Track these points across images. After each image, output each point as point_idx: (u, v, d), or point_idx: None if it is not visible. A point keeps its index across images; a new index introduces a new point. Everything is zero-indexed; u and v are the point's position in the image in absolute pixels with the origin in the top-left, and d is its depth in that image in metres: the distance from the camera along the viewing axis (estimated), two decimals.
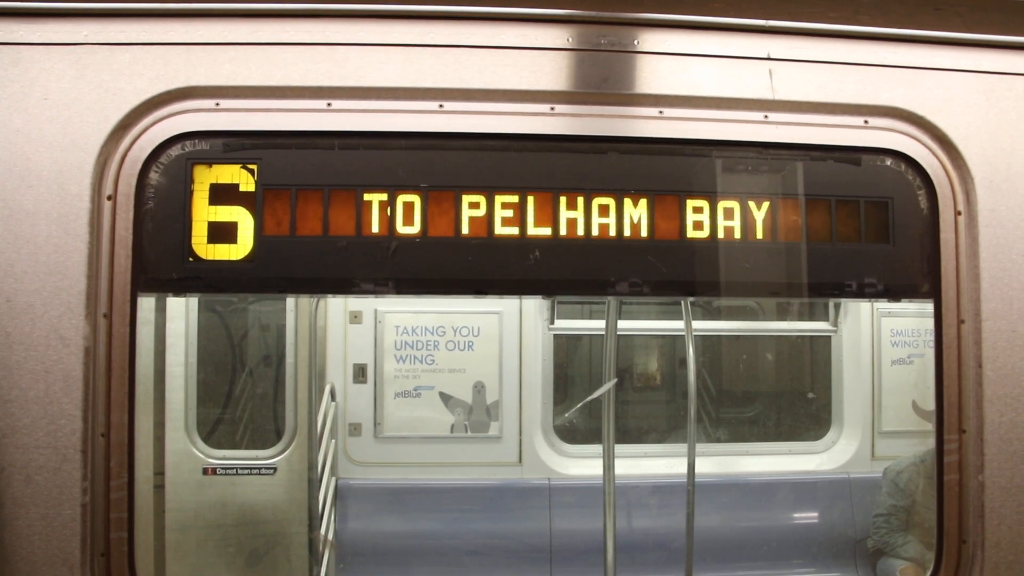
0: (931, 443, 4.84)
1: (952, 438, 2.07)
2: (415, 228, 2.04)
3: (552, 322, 5.47)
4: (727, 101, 2.10)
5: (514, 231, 2.05)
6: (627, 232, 2.07)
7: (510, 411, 5.32)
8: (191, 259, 2.01)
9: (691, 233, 2.08)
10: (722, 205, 2.09)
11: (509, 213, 2.05)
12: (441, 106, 2.07)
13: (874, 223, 2.11)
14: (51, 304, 1.95)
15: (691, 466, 3.77)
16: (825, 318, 5.58)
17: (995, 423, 2.07)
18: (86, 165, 1.97)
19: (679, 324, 5.81)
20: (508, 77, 2.07)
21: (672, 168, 2.10)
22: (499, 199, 2.05)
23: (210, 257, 2.02)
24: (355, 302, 5.20)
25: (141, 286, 1.98)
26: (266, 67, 2.03)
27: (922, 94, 2.12)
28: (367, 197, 2.04)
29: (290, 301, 5.00)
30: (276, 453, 4.99)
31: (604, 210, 2.07)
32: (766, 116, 2.11)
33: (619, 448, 5.60)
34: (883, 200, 2.11)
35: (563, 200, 2.06)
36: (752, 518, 5.30)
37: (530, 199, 2.06)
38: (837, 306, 5.50)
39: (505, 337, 5.35)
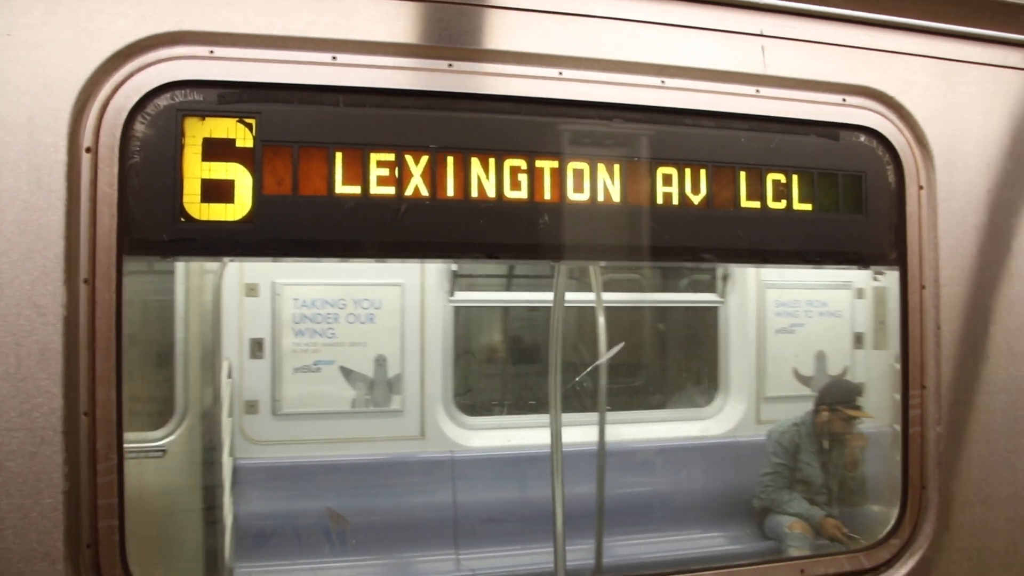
0: (809, 405, 5.26)
1: (915, 394, 2.26)
2: (424, 190, 1.97)
3: (452, 294, 5.43)
4: (724, 74, 2.16)
5: (522, 195, 2.03)
6: (630, 198, 2.10)
7: (412, 385, 5.25)
8: (183, 219, 1.84)
9: (693, 200, 2.13)
10: (717, 174, 2.16)
11: (519, 177, 2.02)
12: (450, 65, 2.00)
13: (850, 195, 2.26)
14: (22, 268, 1.72)
15: (601, 434, 3.88)
16: (713, 290, 5.88)
17: (950, 379, 2.28)
18: (61, 113, 1.76)
19: (573, 296, 6.02)
20: (518, 39, 2.03)
21: (672, 137, 2.15)
22: (508, 163, 2.02)
23: (204, 217, 1.85)
24: (251, 274, 4.94)
25: (127, 248, 1.79)
26: (267, 15, 1.88)
27: (892, 76, 2.28)
28: (374, 156, 1.94)
29: (179, 273, 4.70)
30: (165, 435, 4.70)
31: (611, 176, 2.08)
32: (758, 90, 2.19)
33: (517, 419, 5.74)
34: (858, 173, 2.26)
35: (570, 166, 2.05)
36: (645, 483, 5.53)
37: (538, 163, 2.04)
38: (725, 278, 5.81)
39: (407, 310, 5.27)
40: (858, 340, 5.93)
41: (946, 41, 2.32)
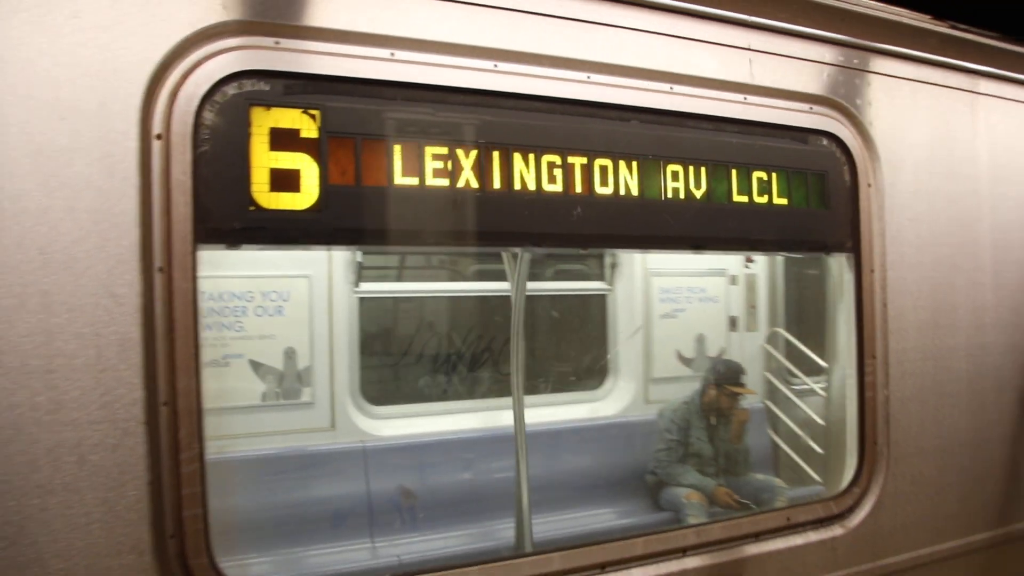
0: (696, 385, 5.70)
1: (869, 363, 2.63)
2: (474, 182, 2.08)
3: (357, 285, 5.44)
4: (720, 83, 2.42)
5: (558, 188, 2.19)
6: (644, 193, 2.31)
7: (321, 376, 5.22)
8: (252, 208, 1.86)
9: (696, 195, 2.38)
10: (715, 171, 2.41)
11: (556, 172, 2.18)
12: (496, 66, 2.12)
13: (816, 191, 2.59)
14: (97, 257, 1.69)
15: (519, 419, 4.06)
16: (602, 278, 6.23)
17: (894, 349, 2.68)
18: (132, 99, 1.73)
19: (459, 286, 6.18)
20: (554, 44, 2.18)
21: (678, 138, 2.38)
22: (545, 158, 2.17)
23: (272, 206, 1.88)
24: None
25: (201, 237, 1.78)
26: (331, 10, 1.93)
27: (848, 89, 2.63)
28: (429, 150, 2.03)
29: None
30: None
31: (629, 172, 2.28)
32: (745, 98, 2.47)
33: (426, 407, 5.82)
34: (822, 172, 2.59)
35: (596, 162, 2.24)
36: (540, 465, 5.78)
37: (570, 159, 2.20)
38: (613, 266, 6.18)
39: (315, 301, 5.23)
40: (732, 323, 6.49)
41: (887, 60, 2.70)
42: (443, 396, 5.88)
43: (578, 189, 2.21)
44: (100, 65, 1.71)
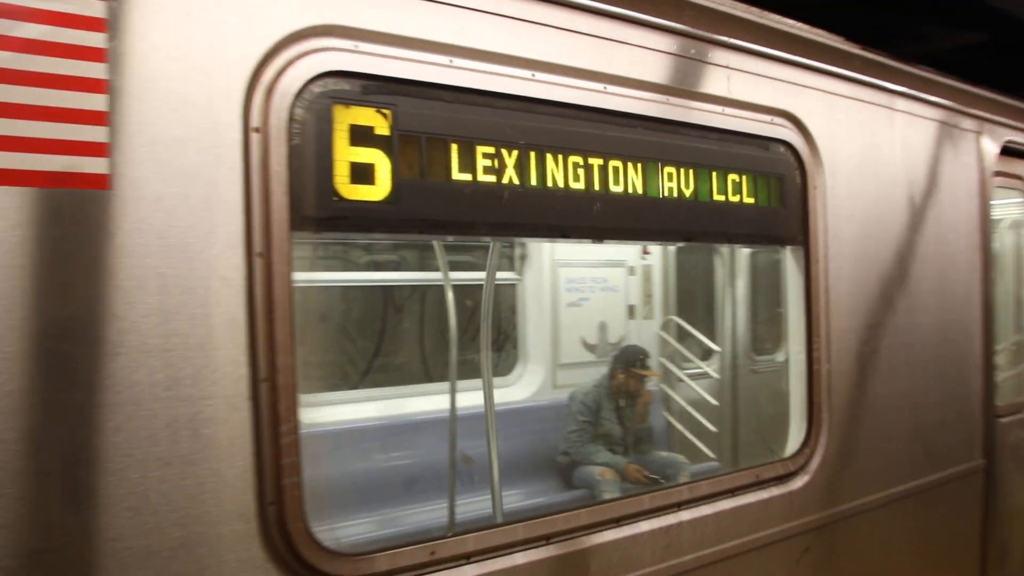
0: (603, 369, 6.09)
1: (816, 341, 3.06)
2: (516, 179, 2.31)
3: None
4: (707, 96, 2.76)
5: (581, 186, 2.45)
6: (646, 192, 2.62)
7: None
8: (335, 198, 2.00)
9: (687, 194, 2.71)
10: (700, 173, 2.75)
11: (579, 171, 2.44)
12: (533, 75, 2.35)
13: (776, 192, 2.98)
14: (208, 242, 1.80)
15: (489, 399, 4.29)
16: (511, 268, 6.52)
17: (834, 329, 3.13)
18: (235, 93, 1.84)
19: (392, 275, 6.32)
20: (580, 58, 2.44)
21: (674, 143, 2.69)
22: (571, 159, 2.43)
23: (352, 197, 2.03)
24: None
25: (295, 225, 1.92)
26: (401, 17, 2.09)
27: (799, 103, 3.04)
28: (480, 149, 2.24)
29: None
30: None
31: (636, 173, 2.58)
32: (724, 110, 2.82)
33: (353, 394, 5.89)
34: (779, 175, 2.99)
35: (610, 164, 2.52)
36: (463, 448, 6.01)
37: (590, 160, 2.47)
38: (522, 258, 6.48)
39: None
40: (631, 312, 6.96)
41: (828, 79, 3.15)
42: (372, 383, 6.01)
43: (596, 187, 2.48)
44: (207, 61, 1.81)
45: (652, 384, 6.74)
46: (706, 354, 7.23)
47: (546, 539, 2.32)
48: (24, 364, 1.57)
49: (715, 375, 7.00)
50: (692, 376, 6.86)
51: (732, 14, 2.90)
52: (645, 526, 2.53)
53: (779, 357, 7.78)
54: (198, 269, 1.78)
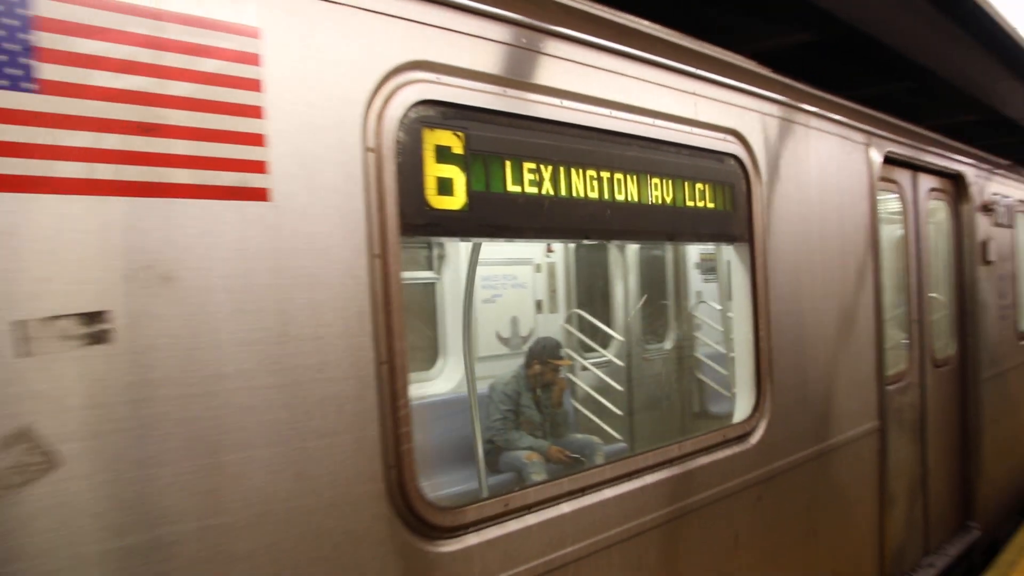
0: (518, 361, 6.59)
1: (761, 322, 3.67)
2: (551, 190, 2.74)
3: None
4: (679, 118, 3.29)
5: (595, 195, 2.91)
6: (638, 199, 3.11)
7: None
8: (427, 207, 2.36)
9: (668, 200, 3.23)
10: (678, 183, 3.28)
11: (594, 183, 2.90)
12: (561, 103, 2.78)
13: (730, 197, 3.56)
14: (344, 247, 2.12)
15: (472, 384, 4.64)
16: (430, 268, 6.88)
17: (772, 312, 3.76)
18: (356, 117, 2.17)
19: None
20: (589, 87, 2.90)
21: (657, 159, 3.20)
22: (588, 172, 2.88)
23: (438, 207, 2.39)
24: None
25: (402, 231, 2.26)
26: (471, 55, 2.47)
27: (744, 123, 3.64)
28: (525, 165, 2.65)
29: None
30: None
31: (633, 184, 3.07)
32: (692, 130, 3.36)
33: None
34: (731, 183, 3.58)
35: (615, 176, 2.99)
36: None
37: (601, 174, 2.94)
38: (440, 257, 6.86)
39: None
40: (538, 306, 7.49)
41: (762, 102, 3.77)
42: None
43: (606, 196, 2.95)
44: (336, 90, 2.12)
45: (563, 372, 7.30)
46: (604, 344, 7.85)
47: (582, 491, 2.76)
48: (234, 351, 1.86)
49: (619, 362, 7.65)
50: (596, 364, 7.47)
51: (702, 52, 3.46)
52: (650, 479, 3.03)
53: (666, 345, 8.59)
54: (337, 269, 2.09)
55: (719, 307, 8.03)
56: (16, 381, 1.58)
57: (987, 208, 6.87)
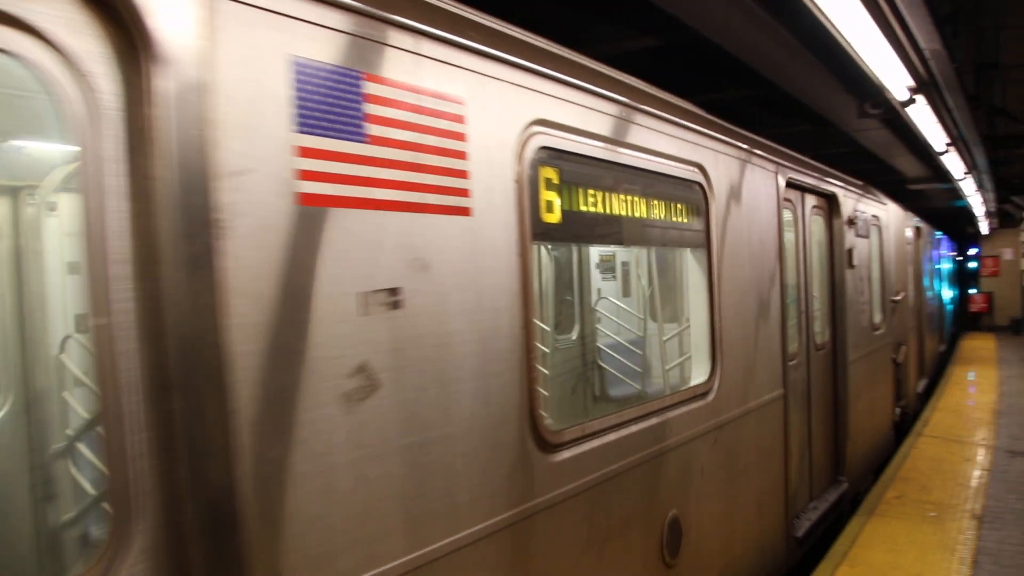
0: None
1: (715, 309, 4.86)
2: (604, 209, 3.79)
3: None
4: (667, 155, 4.41)
5: (626, 212, 3.99)
6: (647, 215, 4.21)
7: None
8: (541, 221, 3.35)
9: (662, 216, 4.36)
10: (670, 205, 4.41)
11: (625, 204, 3.98)
12: (616, 150, 3.83)
13: (696, 214, 4.73)
14: (504, 248, 3.08)
15: None
16: None
17: (723, 302, 4.96)
18: (509, 158, 3.14)
19: None
20: (627, 135, 3.97)
21: (658, 186, 4.32)
22: (619, 197, 3.96)
23: (547, 220, 3.39)
24: None
25: (533, 237, 3.24)
26: (568, 115, 3.48)
27: (704, 157, 4.82)
28: (590, 192, 3.69)
29: None
30: None
31: (644, 205, 4.17)
32: (677, 164, 4.50)
33: None
34: (697, 204, 4.75)
35: (632, 199, 4.08)
36: None
37: (625, 197, 4.02)
38: None
39: None
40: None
41: (715, 142, 4.98)
42: None
43: (628, 213, 4.04)
44: (499, 139, 3.08)
45: None
46: None
47: (634, 421, 3.85)
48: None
49: (545, 349, 8.72)
50: None
51: (682, 106, 4.63)
52: (654, 420, 4.14)
53: (573, 336, 9.77)
54: (502, 263, 3.05)
55: (618, 303, 9.23)
56: (359, 332, 2.46)
57: (851, 222, 8.49)
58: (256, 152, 2.14)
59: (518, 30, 3.29)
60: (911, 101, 6.91)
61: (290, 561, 2.19)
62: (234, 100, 2.08)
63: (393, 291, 2.57)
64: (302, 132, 2.29)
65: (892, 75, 6.27)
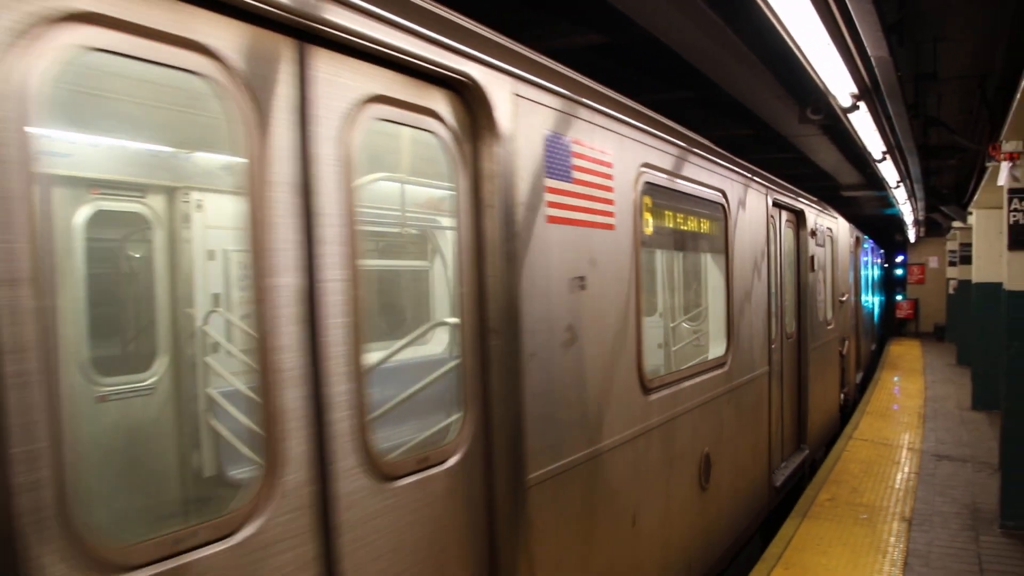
0: None
1: (730, 301, 6.43)
2: (664, 224, 5.31)
3: None
4: (706, 184, 5.95)
5: (674, 226, 5.52)
6: (685, 227, 5.75)
7: None
8: (643, 232, 4.82)
9: (699, 229, 5.91)
10: (705, 220, 5.97)
11: (678, 220, 5.51)
12: (677, 181, 5.34)
13: (720, 228, 6.30)
14: (627, 250, 4.54)
15: None
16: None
17: (734, 296, 6.54)
18: (630, 187, 4.61)
19: None
20: (695, 173, 5.49)
21: (696, 207, 5.86)
22: (677, 215, 5.48)
23: (645, 232, 4.87)
24: None
25: (641, 244, 4.72)
26: (656, 159, 4.97)
27: (726, 185, 6.39)
28: (666, 212, 5.20)
29: None
30: None
31: (685, 218, 5.71)
32: (708, 191, 6.04)
33: None
34: (719, 219, 6.31)
35: (677, 216, 5.61)
36: None
37: (675, 214, 5.54)
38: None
39: None
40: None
41: (732, 173, 6.55)
42: None
43: (676, 225, 5.56)
44: (626, 176, 4.55)
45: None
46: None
47: (687, 378, 5.37)
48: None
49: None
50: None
51: (725, 154, 6.18)
52: (698, 379, 5.68)
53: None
54: (628, 262, 4.52)
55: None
56: (568, 303, 3.90)
57: (813, 233, 10.21)
58: (531, 190, 3.58)
59: (638, 105, 4.78)
60: (854, 107, 6.90)
61: (538, 445, 3.60)
62: (524, 158, 3.51)
63: (581, 279, 4.03)
64: (548, 176, 3.72)
65: (838, 81, 6.24)
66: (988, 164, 8.47)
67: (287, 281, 2.35)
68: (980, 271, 13.72)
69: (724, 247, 6.44)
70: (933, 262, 30.77)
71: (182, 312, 6.03)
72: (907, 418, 13.23)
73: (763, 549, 7.26)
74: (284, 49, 2.35)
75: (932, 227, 25.30)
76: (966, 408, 13.91)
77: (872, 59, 5.66)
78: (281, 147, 2.33)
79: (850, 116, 7.25)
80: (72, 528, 1.74)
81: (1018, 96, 5.81)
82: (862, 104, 6.78)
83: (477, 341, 3.27)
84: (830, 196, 14.68)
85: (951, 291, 23.32)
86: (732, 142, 8.89)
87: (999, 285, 9.45)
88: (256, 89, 2.24)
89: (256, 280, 2.27)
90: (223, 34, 2.15)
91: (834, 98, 6.68)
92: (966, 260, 18.34)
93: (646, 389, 4.78)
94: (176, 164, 5.99)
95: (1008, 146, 7.10)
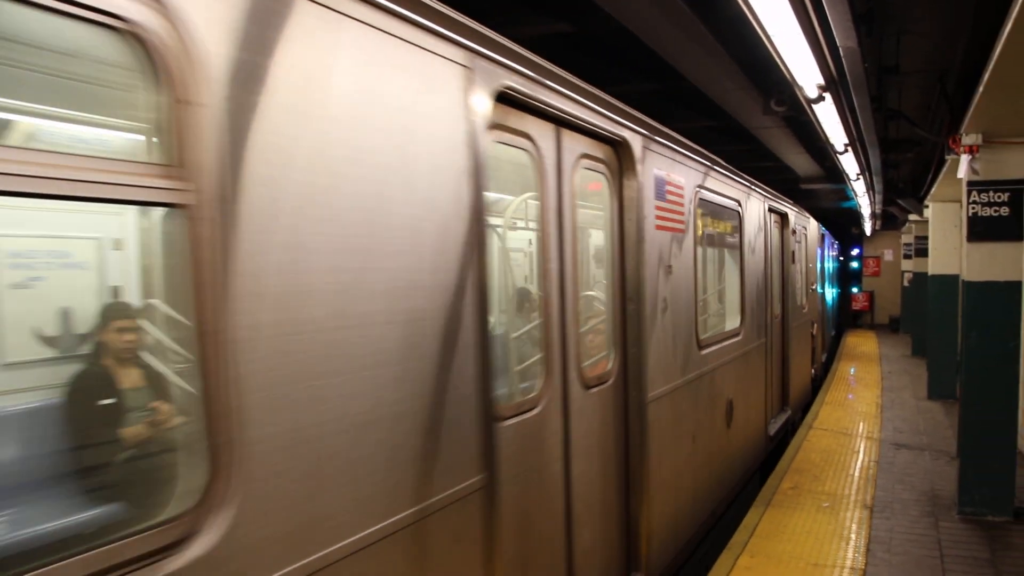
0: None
1: (743, 286, 8.08)
2: (711, 229, 6.94)
3: None
4: (730, 196, 7.61)
5: (713, 230, 7.15)
6: (713, 230, 7.40)
7: None
8: (698, 235, 6.42)
9: (720, 230, 7.55)
10: (727, 224, 7.62)
11: (710, 227, 7.15)
12: (713, 194, 6.95)
13: (737, 229, 8.01)
14: (690, 247, 6.15)
15: None
16: None
17: (746, 281, 8.20)
18: (690, 202, 6.23)
19: None
20: (723, 188, 7.10)
21: (719, 214, 7.50)
22: (705, 221, 7.11)
23: (699, 234, 6.48)
24: None
25: (696, 243, 6.31)
26: (706, 181, 6.60)
27: (740, 194, 8.18)
28: (708, 218, 6.83)
29: None
30: None
31: (711, 221, 7.34)
32: (732, 200, 7.70)
33: None
34: (735, 223, 8.01)
35: (706, 221, 7.24)
36: None
37: (706, 219, 7.17)
38: None
39: None
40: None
41: (745, 186, 8.24)
42: None
43: (717, 230, 7.20)
44: (689, 195, 6.17)
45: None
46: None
47: (721, 340, 7.05)
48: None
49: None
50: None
51: (739, 172, 7.83)
52: (726, 342, 7.35)
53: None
54: (690, 256, 6.20)
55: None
56: (662, 283, 5.62)
57: (794, 232, 11.98)
58: (648, 207, 5.17)
59: (694, 145, 6.35)
60: (820, 98, 6.80)
61: (652, 376, 5.24)
62: (646, 188, 5.15)
63: (669, 266, 5.62)
64: (656, 198, 5.31)
65: (805, 71, 6.10)
66: (948, 157, 8.57)
67: (554, 266, 4.07)
68: (936, 263, 13.88)
69: (739, 244, 8.13)
70: (888, 255, 30.81)
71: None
72: (865, 407, 13.27)
73: (761, 484, 8.88)
74: (553, 131, 4.12)
75: (888, 220, 24.77)
76: (922, 398, 14.07)
77: (840, 49, 5.62)
78: (550, 186, 4.06)
79: (815, 107, 7.18)
80: None
81: (980, 91, 5.85)
82: (827, 95, 6.73)
83: (620, 306, 4.97)
84: (789, 189, 14.76)
85: (906, 283, 23.40)
86: (694, 133, 8.49)
87: (955, 277, 10.40)
88: (544, 155, 3.97)
89: (542, 264, 4.00)
90: (533, 126, 3.89)
91: (800, 89, 6.60)
92: (921, 253, 18.32)
93: (700, 346, 6.45)
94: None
95: (968, 139, 7.17)
